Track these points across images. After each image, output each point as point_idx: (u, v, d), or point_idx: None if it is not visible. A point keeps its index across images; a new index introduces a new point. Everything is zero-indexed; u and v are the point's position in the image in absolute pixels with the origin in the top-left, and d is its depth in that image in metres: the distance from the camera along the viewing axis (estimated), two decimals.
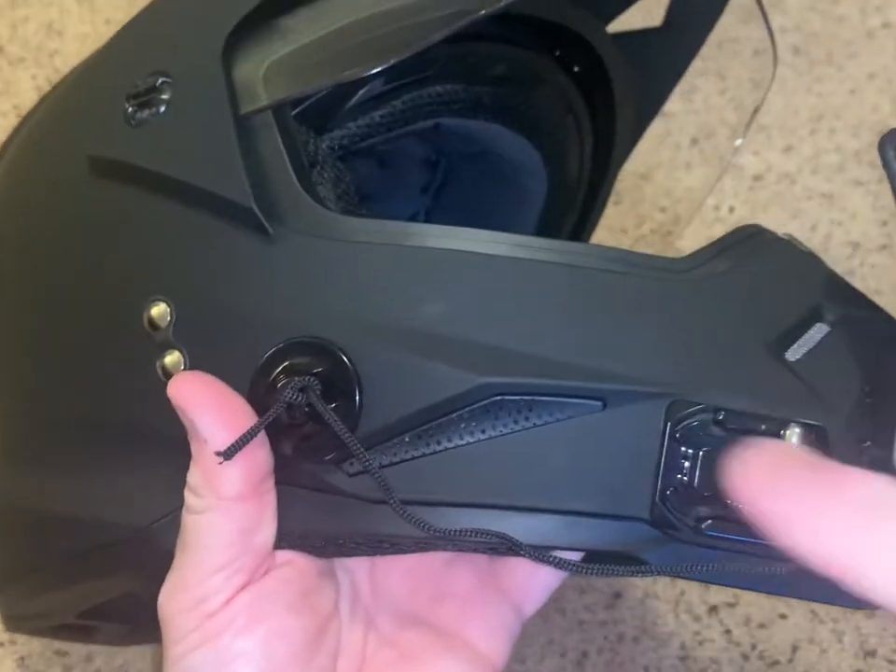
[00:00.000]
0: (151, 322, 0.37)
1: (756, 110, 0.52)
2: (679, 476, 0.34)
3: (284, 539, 0.37)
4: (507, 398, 0.34)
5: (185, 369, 0.36)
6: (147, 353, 0.37)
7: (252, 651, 0.34)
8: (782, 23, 0.74)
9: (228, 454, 0.33)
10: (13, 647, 0.55)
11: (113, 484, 0.39)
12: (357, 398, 0.34)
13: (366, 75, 0.38)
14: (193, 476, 0.35)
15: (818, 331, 0.35)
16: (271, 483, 0.35)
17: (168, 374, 0.36)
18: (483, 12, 0.36)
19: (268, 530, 0.35)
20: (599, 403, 0.34)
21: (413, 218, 0.55)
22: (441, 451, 0.34)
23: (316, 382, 0.33)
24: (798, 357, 0.35)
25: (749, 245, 0.37)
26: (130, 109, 0.39)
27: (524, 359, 0.34)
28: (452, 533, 0.34)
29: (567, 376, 0.34)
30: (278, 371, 0.34)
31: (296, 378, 0.33)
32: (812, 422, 0.34)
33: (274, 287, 0.35)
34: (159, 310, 0.36)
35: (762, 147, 0.69)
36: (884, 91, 0.71)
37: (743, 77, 0.69)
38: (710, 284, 0.35)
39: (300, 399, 0.33)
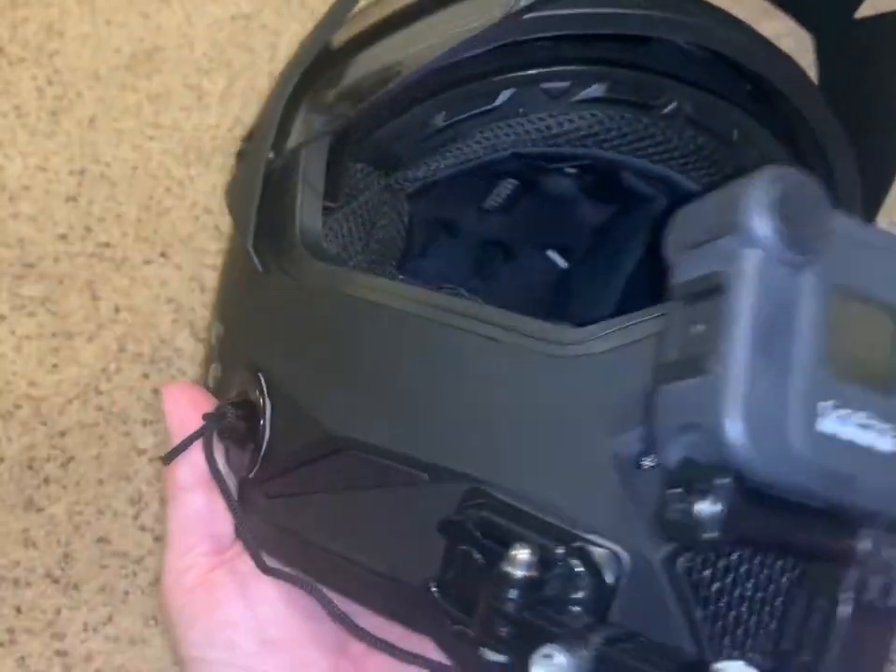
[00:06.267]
0: None
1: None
2: (447, 570, 0.32)
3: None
4: (358, 454, 0.34)
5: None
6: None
7: (240, 619, 0.37)
8: (781, 25, 0.73)
9: (167, 458, 0.39)
10: (13, 647, 0.55)
11: None
12: (263, 428, 0.37)
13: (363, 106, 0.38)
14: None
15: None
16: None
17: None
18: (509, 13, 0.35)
19: (227, 520, 0.38)
20: (426, 476, 0.33)
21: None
22: (308, 493, 0.36)
23: (233, 411, 0.37)
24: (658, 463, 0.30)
25: (655, 324, 0.31)
26: None
27: (374, 420, 0.34)
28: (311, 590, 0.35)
29: (401, 444, 0.33)
30: (232, 390, 0.38)
31: (221, 405, 0.38)
32: (608, 546, 0.30)
33: (252, 315, 0.39)
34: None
35: None
36: None
37: None
38: (582, 363, 0.32)
39: (213, 425, 0.37)
